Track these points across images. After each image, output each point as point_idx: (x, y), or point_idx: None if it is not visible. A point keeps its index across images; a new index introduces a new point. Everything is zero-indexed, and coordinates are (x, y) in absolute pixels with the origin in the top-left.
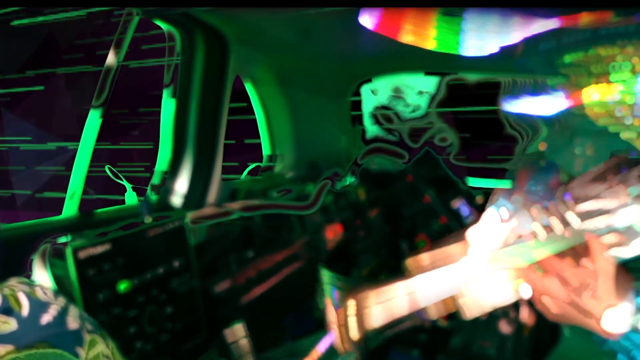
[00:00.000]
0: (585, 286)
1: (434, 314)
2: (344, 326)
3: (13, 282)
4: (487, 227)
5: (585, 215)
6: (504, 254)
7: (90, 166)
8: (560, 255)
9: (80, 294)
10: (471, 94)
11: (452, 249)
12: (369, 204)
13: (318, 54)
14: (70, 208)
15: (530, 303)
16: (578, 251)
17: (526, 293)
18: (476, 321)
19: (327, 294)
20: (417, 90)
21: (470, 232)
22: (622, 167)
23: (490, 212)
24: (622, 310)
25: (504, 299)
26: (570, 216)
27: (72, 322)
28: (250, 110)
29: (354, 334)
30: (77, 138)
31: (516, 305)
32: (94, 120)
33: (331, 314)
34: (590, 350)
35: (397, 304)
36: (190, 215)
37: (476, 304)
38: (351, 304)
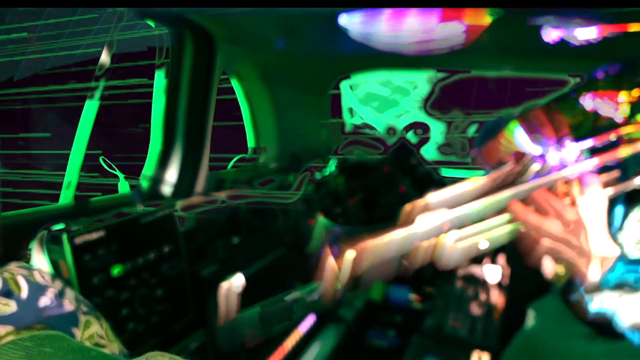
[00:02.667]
0: (585, 227)
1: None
2: (336, 273)
3: (13, 266)
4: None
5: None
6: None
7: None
8: (559, 195)
9: (76, 278)
10: None
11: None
12: (347, 193)
13: (300, 52)
14: (66, 196)
15: (500, 285)
16: (575, 191)
17: (494, 276)
18: (449, 303)
19: (321, 240)
20: (394, 84)
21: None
22: None
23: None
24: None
25: (499, 242)
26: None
27: (69, 304)
28: None
29: (345, 278)
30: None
31: (487, 289)
32: (89, 112)
33: (327, 261)
34: (555, 332)
35: (389, 246)
36: (179, 204)
37: (468, 247)
38: (349, 252)
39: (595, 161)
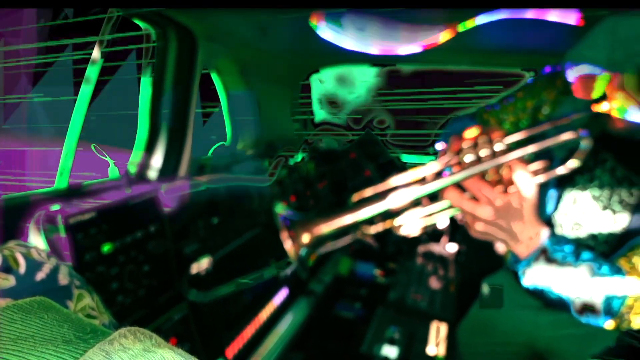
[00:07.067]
0: (514, 212)
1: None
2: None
3: (12, 244)
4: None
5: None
6: (438, 182)
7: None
8: (491, 183)
9: (69, 255)
10: None
11: (391, 181)
12: (317, 177)
13: (274, 48)
14: (61, 181)
15: (457, 261)
16: (507, 179)
17: (452, 253)
18: (410, 277)
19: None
20: (359, 79)
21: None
22: None
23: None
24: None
25: (437, 220)
26: (497, 145)
27: (63, 278)
28: None
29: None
30: None
31: (445, 265)
32: (82, 103)
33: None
34: (506, 304)
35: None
36: (164, 187)
37: (411, 223)
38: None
39: (525, 151)
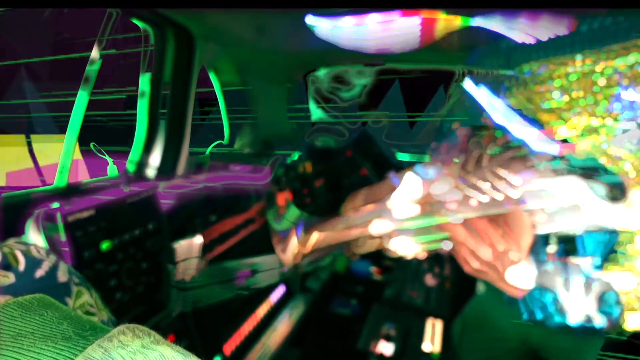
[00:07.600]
0: (508, 254)
1: (367, 248)
2: (297, 248)
3: (11, 241)
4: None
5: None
6: (433, 209)
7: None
8: (491, 220)
9: (68, 252)
10: None
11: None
12: (314, 175)
13: (270, 47)
14: (60, 179)
15: (452, 259)
16: (506, 220)
17: (447, 246)
18: (406, 275)
19: (291, 224)
20: (355, 78)
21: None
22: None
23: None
24: (527, 271)
25: (429, 248)
26: (505, 188)
27: (62, 276)
28: None
29: (302, 254)
30: None
31: (440, 262)
32: (81, 102)
33: (292, 240)
34: (502, 301)
35: (338, 235)
36: (162, 185)
37: (404, 246)
38: (312, 235)
39: (518, 151)
